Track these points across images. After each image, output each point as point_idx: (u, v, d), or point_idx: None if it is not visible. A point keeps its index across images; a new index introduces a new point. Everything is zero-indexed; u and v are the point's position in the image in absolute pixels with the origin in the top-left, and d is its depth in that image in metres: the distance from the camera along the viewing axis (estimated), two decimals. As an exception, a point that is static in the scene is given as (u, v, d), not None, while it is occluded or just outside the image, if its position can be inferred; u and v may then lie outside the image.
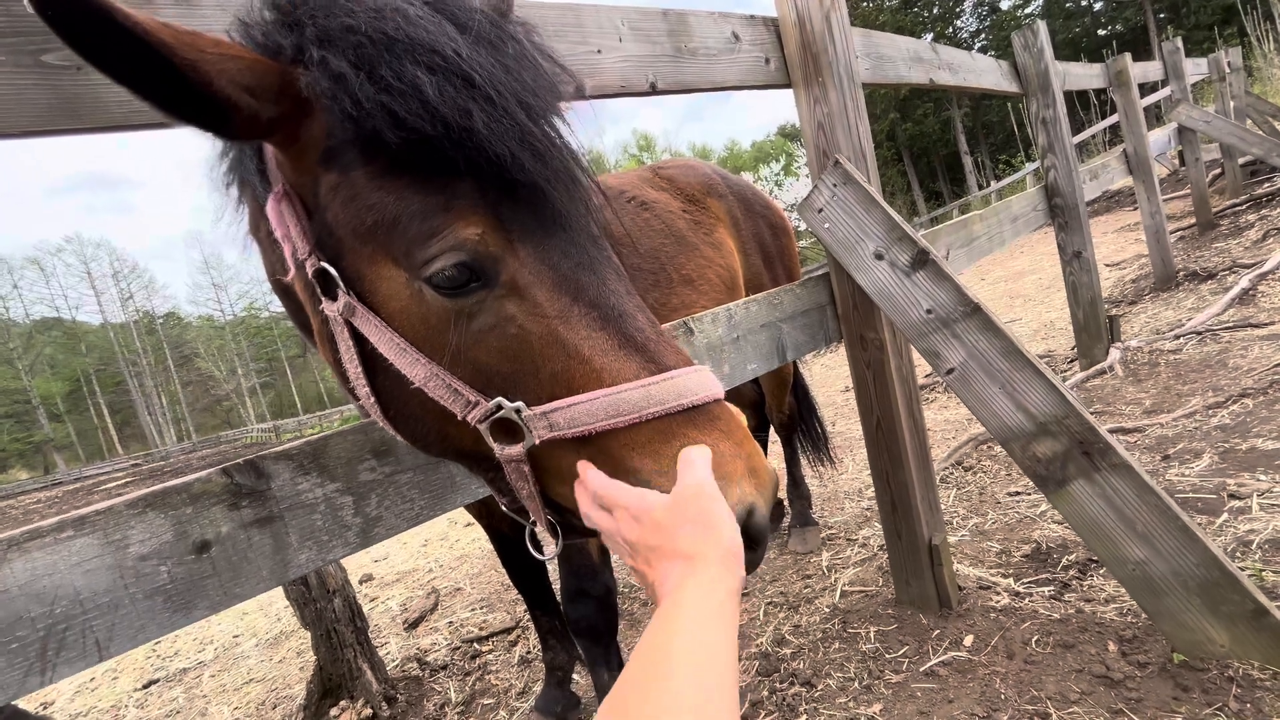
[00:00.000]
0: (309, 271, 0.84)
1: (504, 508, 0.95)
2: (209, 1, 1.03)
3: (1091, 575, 2.09)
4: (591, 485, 0.77)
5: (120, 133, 0.99)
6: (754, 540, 0.75)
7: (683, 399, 0.76)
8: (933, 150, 52.02)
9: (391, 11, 0.75)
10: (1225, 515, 2.18)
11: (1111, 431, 2.71)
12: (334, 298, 0.83)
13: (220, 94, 0.70)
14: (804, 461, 3.40)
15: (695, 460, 0.72)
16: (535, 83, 0.79)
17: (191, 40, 0.68)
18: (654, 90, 1.66)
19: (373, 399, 0.88)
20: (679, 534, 0.68)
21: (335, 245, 0.83)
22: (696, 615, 0.63)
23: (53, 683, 0.87)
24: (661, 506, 0.71)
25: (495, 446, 0.82)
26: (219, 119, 0.73)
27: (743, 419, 0.83)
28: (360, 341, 0.85)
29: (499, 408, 0.79)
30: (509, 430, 0.81)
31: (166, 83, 0.67)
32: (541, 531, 0.91)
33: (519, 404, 0.79)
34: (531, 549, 0.94)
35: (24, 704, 3.50)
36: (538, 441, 0.79)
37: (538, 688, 2.41)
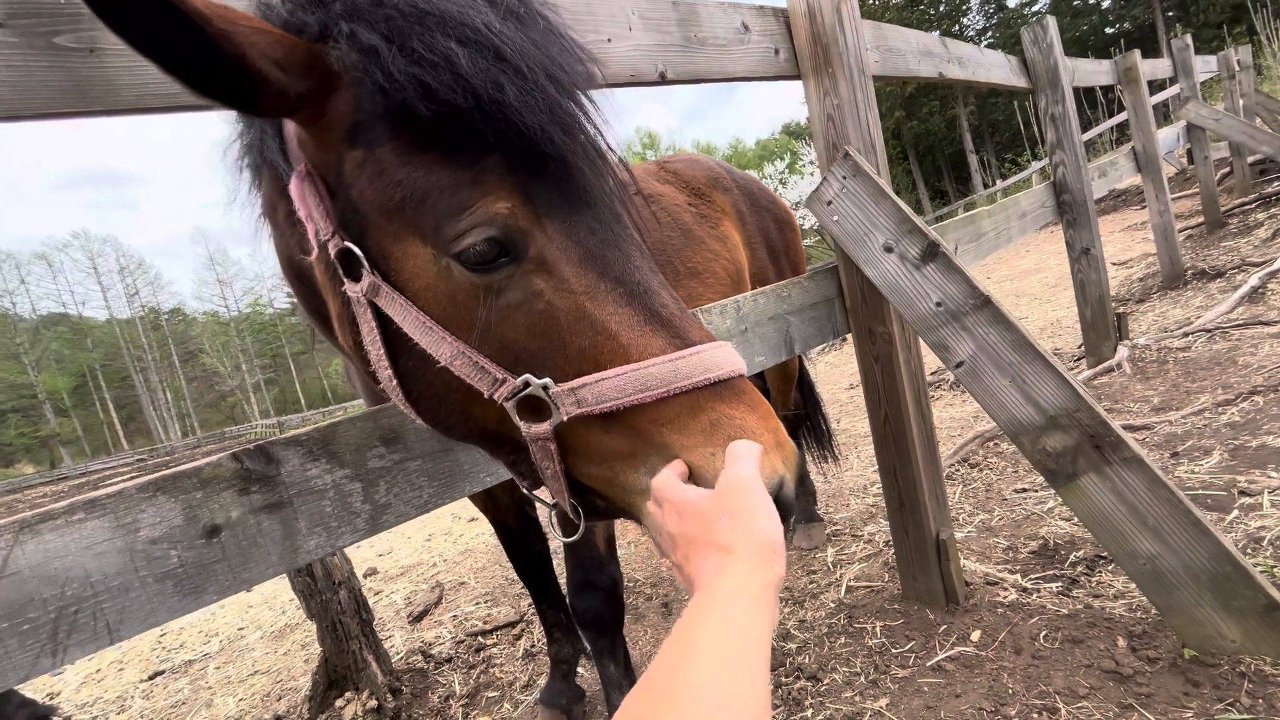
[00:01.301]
0: (332, 251, 0.83)
1: (525, 490, 0.95)
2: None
3: (1100, 571, 2.08)
4: (653, 484, 0.76)
5: (132, 116, 0.99)
6: (784, 511, 0.75)
7: (709, 373, 0.75)
8: (938, 148, 51.86)
9: None
10: (1236, 512, 2.17)
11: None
12: (357, 278, 0.83)
13: (252, 67, 0.70)
14: (809, 458, 3.39)
15: (743, 455, 0.71)
16: (562, 58, 0.79)
17: (225, 12, 0.68)
18: (664, 80, 1.66)
19: (395, 381, 0.88)
20: (717, 525, 0.67)
21: (360, 224, 0.82)
22: (728, 607, 0.61)
23: (64, 664, 0.87)
24: (704, 498, 0.70)
25: (521, 425, 0.81)
26: (248, 94, 0.72)
27: None
28: (384, 322, 0.84)
29: (526, 385, 0.78)
30: (535, 408, 0.80)
31: (197, 55, 0.66)
32: (563, 513, 0.90)
33: (546, 380, 0.78)
34: (554, 530, 0.94)
35: (31, 694, 3.52)
36: (565, 418, 0.78)
37: (542, 680, 2.41)
